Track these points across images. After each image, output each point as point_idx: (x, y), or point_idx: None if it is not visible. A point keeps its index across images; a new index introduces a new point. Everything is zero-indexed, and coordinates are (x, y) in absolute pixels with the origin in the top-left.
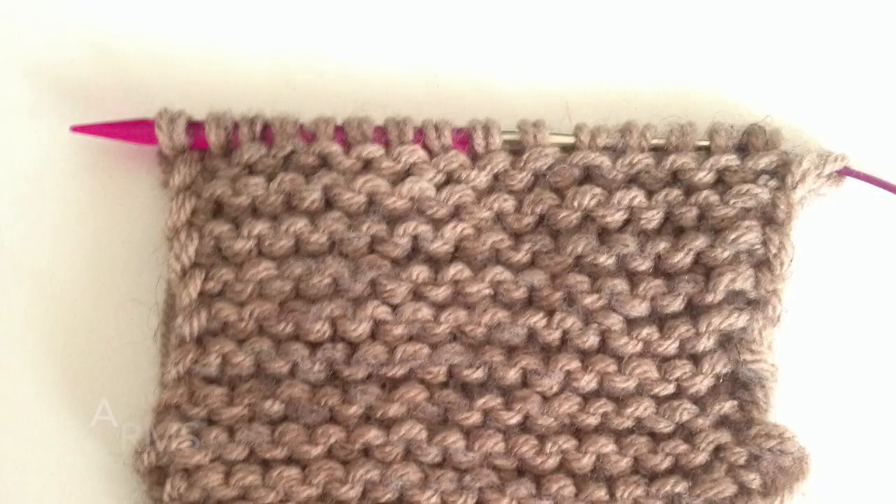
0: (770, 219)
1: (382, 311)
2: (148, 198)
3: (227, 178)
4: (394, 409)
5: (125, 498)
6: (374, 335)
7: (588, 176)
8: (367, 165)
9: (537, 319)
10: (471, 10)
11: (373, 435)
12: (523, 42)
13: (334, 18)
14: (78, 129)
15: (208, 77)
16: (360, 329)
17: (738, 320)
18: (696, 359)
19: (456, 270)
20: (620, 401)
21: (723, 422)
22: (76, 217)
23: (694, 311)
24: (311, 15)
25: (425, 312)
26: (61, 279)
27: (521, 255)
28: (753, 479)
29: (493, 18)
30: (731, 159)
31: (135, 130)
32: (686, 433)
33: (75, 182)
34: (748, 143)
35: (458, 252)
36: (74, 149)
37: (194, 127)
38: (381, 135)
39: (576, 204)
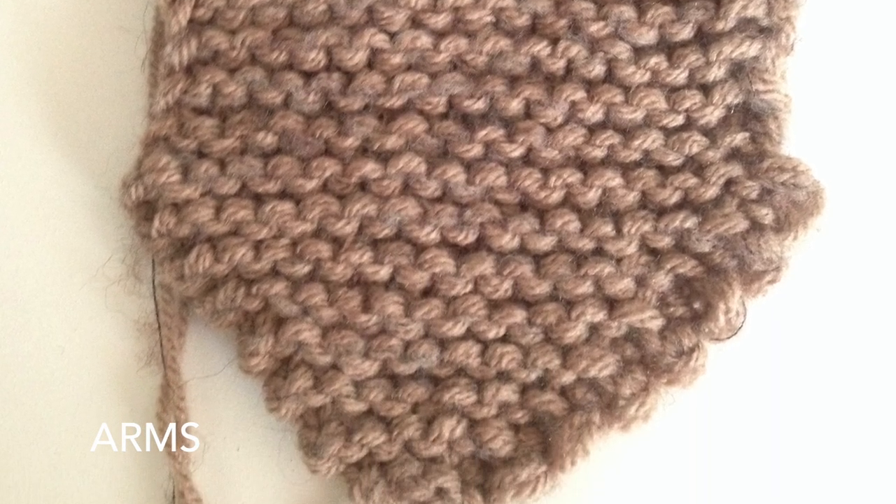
0: None
1: (380, 39)
2: None
3: None
4: (391, 141)
5: (111, 234)
6: (370, 64)
7: None
8: None
9: (541, 48)
10: None
11: (370, 168)
12: None
13: None
14: None
15: None
16: (357, 58)
17: (749, 49)
18: (706, 89)
19: None
20: (627, 132)
21: (734, 154)
22: None
23: (704, 39)
24: None
25: (424, 40)
26: (45, 5)
27: None
28: (766, 214)
29: None
30: None
31: None
32: (696, 166)
33: None
34: None
35: None
36: None
37: None
38: None
39: None
